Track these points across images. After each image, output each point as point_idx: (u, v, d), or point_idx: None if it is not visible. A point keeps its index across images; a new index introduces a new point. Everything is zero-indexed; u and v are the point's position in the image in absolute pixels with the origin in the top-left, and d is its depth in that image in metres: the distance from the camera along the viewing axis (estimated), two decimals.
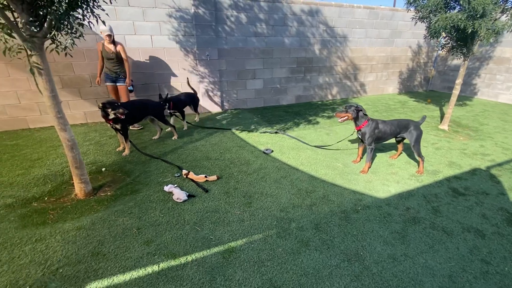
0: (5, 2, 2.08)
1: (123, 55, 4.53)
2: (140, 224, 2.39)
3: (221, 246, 2.17)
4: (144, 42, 5.14)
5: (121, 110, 3.44)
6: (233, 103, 6.39)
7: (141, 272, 1.91)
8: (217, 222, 2.45)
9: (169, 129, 4.63)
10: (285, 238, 2.28)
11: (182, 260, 2.02)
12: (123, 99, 4.85)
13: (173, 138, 4.45)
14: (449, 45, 4.96)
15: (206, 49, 5.57)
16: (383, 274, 1.96)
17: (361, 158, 3.72)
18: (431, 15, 4.65)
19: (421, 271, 2.00)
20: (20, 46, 2.29)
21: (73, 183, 2.88)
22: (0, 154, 3.76)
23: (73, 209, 2.59)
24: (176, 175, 3.26)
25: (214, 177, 3.19)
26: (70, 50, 2.60)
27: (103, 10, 2.69)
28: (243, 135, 4.65)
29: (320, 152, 4.00)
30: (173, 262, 2.00)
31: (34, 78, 2.34)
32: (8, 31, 2.21)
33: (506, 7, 4.31)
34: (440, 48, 5.31)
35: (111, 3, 3.44)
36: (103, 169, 3.37)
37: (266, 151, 3.94)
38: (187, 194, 2.79)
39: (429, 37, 4.85)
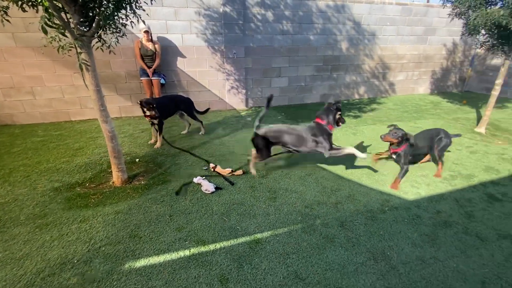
0: (59, 5, 2.31)
1: (159, 52, 4.86)
2: (172, 212, 2.54)
3: (247, 236, 2.25)
4: (175, 40, 5.36)
5: (153, 113, 3.75)
6: (257, 100, 6.46)
7: (173, 255, 2.05)
8: (243, 214, 2.53)
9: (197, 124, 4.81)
10: (310, 233, 2.31)
11: (211, 247, 2.13)
12: (156, 91, 5.15)
13: (200, 133, 4.62)
14: (488, 43, 4.65)
15: (233, 47, 5.69)
16: (411, 275, 1.93)
17: (378, 159, 3.52)
18: (469, 11, 4.40)
19: (451, 275, 1.94)
20: (71, 44, 2.51)
21: (110, 171, 3.12)
22: (48, 143, 4.14)
23: (112, 195, 2.80)
24: (203, 168, 3.40)
25: (240, 172, 3.28)
26: (114, 48, 2.81)
27: (144, 10, 2.87)
28: None
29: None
30: (203, 248, 2.11)
31: (82, 73, 2.57)
32: (62, 30, 2.45)
33: None
34: (479, 47, 4.98)
35: (151, 3, 3.63)
36: (137, 159, 3.60)
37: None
38: (215, 186, 2.91)
39: (467, 34, 4.59)
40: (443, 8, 5.17)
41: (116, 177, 3.00)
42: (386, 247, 2.17)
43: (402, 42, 7.24)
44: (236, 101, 6.19)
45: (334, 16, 6.29)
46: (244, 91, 6.15)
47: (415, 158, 3.46)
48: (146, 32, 4.70)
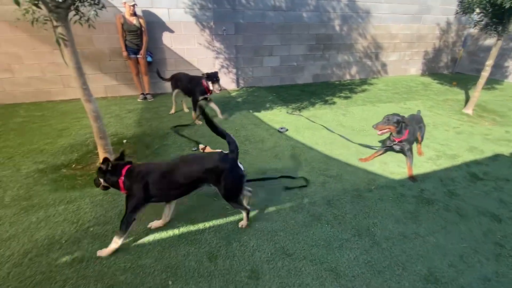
0: None
1: (144, 27, 4.60)
2: None
3: (236, 215, 2.28)
4: (162, 15, 5.09)
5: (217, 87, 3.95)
6: (248, 81, 6.33)
7: (163, 234, 2.07)
8: None
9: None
10: (298, 211, 2.36)
11: (201, 226, 2.16)
12: (142, 70, 4.96)
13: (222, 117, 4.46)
14: (482, 22, 4.60)
15: (222, 24, 5.46)
16: (393, 249, 2.02)
17: (368, 160, 3.22)
18: None
19: (432, 250, 2.04)
20: (46, 17, 2.34)
21: (97, 152, 3.04)
22: (30, 123, 3.99)
23: None
24: (193, 149, 3.37)
25: None
26: (93, 21, 2.63)
27: None
28: (258, 113, 4.66)
29: (338, 131, 3.97)
30: (192, 228, 2.14)
31: (60, 49, 2.42)
32: (35, 1, 2.27)
33: None
34: (473, 26, 4.92)
35: None
36: (125, 141, 3.52)
37: (281, 130, 3.95)
38: None
39: (461, 13, 4.51)
40: None
41: None
42: (370, 224, 2.25)
43: (396, 21, 7.10)
44: (227, 81, 6.04)
45: None
46: (234, 70, 5.99)
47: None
48: (132, 5, 4.41)
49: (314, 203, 2.47)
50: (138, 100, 5.16)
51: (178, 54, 5.47)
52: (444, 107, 5.27)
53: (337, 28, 6.55)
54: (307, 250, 1.97)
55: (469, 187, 2.82)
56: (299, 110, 4.84)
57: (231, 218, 2.25)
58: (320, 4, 6.10)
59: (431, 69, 8.45)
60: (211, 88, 3.97)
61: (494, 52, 4.60)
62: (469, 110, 4.93)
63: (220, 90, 4.00)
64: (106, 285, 1.67)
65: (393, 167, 3.13)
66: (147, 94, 5.24)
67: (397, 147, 3.06)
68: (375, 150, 3.26)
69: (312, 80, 6.92)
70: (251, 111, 4.74)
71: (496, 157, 3.44)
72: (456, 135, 4.03)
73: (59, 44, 2.37)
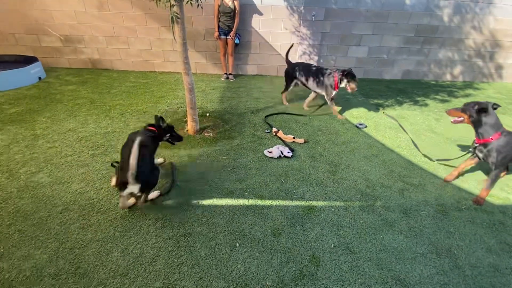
0: None
1: (238, 9, 4.85)
2: (235, 165, 2.76)
3: (302, 201, 2.32)
4: None
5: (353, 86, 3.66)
6: None
7: (234, 201, 2.27)
8: (301, 180, 2.59)
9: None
10: (368, 212, 2.25)
11: (267, 202, 2.28)
12: (229, 51, 5.29)
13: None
14: None
15: (313, 8, 5.30)
16: (478, 279, 1.75)
17: (457, 176, 2.69)
18: None
19: None
20: None
21: (185, 120, 3.46)
22: (137, 89, 4.77)
23: (186, 141, 3.15)
24: (266, 131, 3.50)
25: (301, 140, 3.28)
26: (202, 2, 2.91)
27: None
28: (336, 106, 4.47)
29: (424, 138, 3.53)
30: (260, 202, 2.28)
31: (172, 26, 2.77)
32: None
33: None
34: None
35: None
36: (207, 114, 3.89)
37: (359, 125, 3.73)
38: (280, 155, 2.95)
39: None
40: None
41: (190, 126, 3.33)
42: (453, 245, 1.99)
43: None
44: None
45: None
46: (316, 58, 5.82)
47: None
48: None
49: (387, 208, 2.30)
50: (221, 79, 5.56)
51: (263, 37, 5.61)
52: None
53: (446, 18, 5.60)
54: (374, 253, 1.89)
55: None
56: (383, 107, 4.45)
57: (297, 203, 2.30)
58: None
59: None
60: (342, 85, 3.73)
61: None
62: None
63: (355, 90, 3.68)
64: (186, 232, 1.96)
65: (495, 189, 2.63)
66: (229, 74, 5.59)
67: (480, 154, 2.34)
68: (461, 162, 2.62)
69: (401, 77, 6.20)
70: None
71: None
72: None
73: (173, 22, 2.73)
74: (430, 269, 1.80)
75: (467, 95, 5.28)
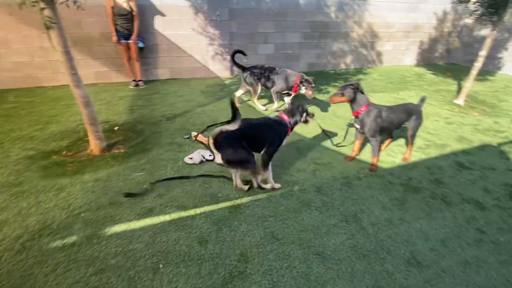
0: None
1: (135, 11, 4.47)
2: (152, 179, 2.55)
3: (228, 202, 2.31)
4: None
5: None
6: None
7: (154, 220, 2.09)
8: (225, 182, 2.58)
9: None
10: (288, 198, 2.40)
11: (192, 212, 2.19)
12: (133, 56, 4.86)
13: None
14: (478, 12, 4.59)
15: (216, 8, 5.33)
16: (378, 234, 2.09)
17: (357, 154, 3.08)
18: None
19: (415, 235, 2.11)
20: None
21: (88, 139, 3.02)
22: (18, 110, 3.91)
23: (90, 163, 2.75)
24: (184, 136, 3.36)
25: None
26: (81, 3, 2.55)
27: None
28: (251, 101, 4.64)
29: (330, 122, 3.99)
30: (183, 213, 2.17)
31: (48, 33, 2.35)
32: None
33: None
34: (469, 15, 4.90)
35: None
36: (116, 128, 3.49)
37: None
38: (202, 160, 2.87)
39: (458, 2, 4.48)
40: None
41: (94, 145, 2.92)
42: (358, 210, 2.31)
43: (393, 10, 7.02)
44: (220, 68, 5.97)
45: None
46: (229, 57, 5.90)
47: (386, 131, 2.90)
48: None
49: (304, 190, 2.52)
50: (130, 87, 5.08)
51: (170, 40, 5.35)
52: (437, 97, 5.32)
53: (333, 15, 6.46)
54: (296, 235, 2.03)
55: (455, 176, 2.90)
56: (294, 98, 4.83)
57: (223, 205, 2.29)
58: None
59: (426, 59, 8.45)
60: (302, 91, 3.94)
61: (488, 43, 4.61)
62: (460, 101, 4.99)
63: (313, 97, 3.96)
64: (97, 269, 1.70)
65: (383, 155, 3.18)
66: (139, 81, 5.15)
67: (357, 125, 2.80)
68: (356, 145, 3.02)
69: (307, 69, 6.87)
70: (244, 98, 4.71)
71: (484, 147, 3.52)
72: (446, 125, 4.09)
73: (46, 28, 2.31)
74: (342, 236, 2.04)
75: (358, 80, 6.23)
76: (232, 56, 4.12)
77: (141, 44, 4.92)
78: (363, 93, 2.71)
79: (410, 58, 8.17)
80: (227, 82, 5.72)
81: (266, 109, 4.30)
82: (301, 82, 3.92)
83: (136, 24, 4.63)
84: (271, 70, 4.07)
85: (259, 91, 4.18)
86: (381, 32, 7.23)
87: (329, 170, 2.83)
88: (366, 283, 1.72)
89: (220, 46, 5.71)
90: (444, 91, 5.73)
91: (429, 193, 2.59)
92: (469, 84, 4.89)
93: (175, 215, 2.15)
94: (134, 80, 5.14)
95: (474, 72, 4.82)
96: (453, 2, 4.70)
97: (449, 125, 4.12)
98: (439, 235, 2.14)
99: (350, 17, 6.64)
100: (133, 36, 4.66)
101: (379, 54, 7.62)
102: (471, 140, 3.69)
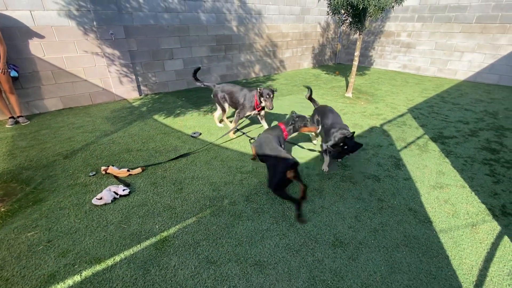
0: None
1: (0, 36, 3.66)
2: (50, 236, 2.08)
3: (152, 238, 2.09)
4: (23, 18, 4.13)
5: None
6: (152, 87, 5.89)
7: (59, 286, 1.70)
8: (146, 216, 2.33)
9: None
10: (219, 215, 2.35)
11: (109, 262, 1.88)
12: (5, 88, 3.97)
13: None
14: (347, 21, 5.60)
15: (109, 27, 4.86)
16: (306, 227, 2.25)
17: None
18: None
19: (334, 217, 2.37)
20: None
21: None
22: None
23: None
24: (90, 174, 2.90)
25: (138, 170, 2.96)
26: None
27: None
28: (167, 121, 4.40)
29: (249, 128, 4.13)
30: (98, 267, 1.84)
31: None
32: None
33: None
34: (341, 24, 5.94)
35: None
36: None
37: (194, 135, 3.85)
38: (115, 197, 2.51)
39: (331, 13, 5.37)
40: None
41: None
42: (285, 209, 2.44)
43: (285, 21, 7.88)
44: (126, 90, 5.45)
45: None
46: (133, 77, 5.45)
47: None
48: None
49: (234, 203, 2.51)
50: (7, 126, 4.09)
51: (54, 64, 4.58)
52: (332, 93, 6.22)
53: (235, 29, 6.79)
54: (231, 251, 1.99)
55: (356, 157, 3.42)
56: (211, 112, 4.82)
57: (146, 243, 2.05)
58: (215, 6, 6.17)
59: (319, 62, 9.82)
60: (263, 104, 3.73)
61: (358, 45, 5.67)
62: (349, 94, 5.97)
63: (271, 108, 3.69)
64: None
65: (299, 151, 3.48)
66: (18, 117, 4.20)
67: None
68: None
69: (220, 80, 6.99)
70: (158, 119, 4.43)
71: (371, 129, 4.28)
72: (342, 116, 4.79)
73: None
74: (275, 238, 2.12)
75: (268, 86, 6.71)
76: (194, 76, 4.07)
77: (13, 73, 4.03)
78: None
79: (307, 62, 9.33)
80: (136, 104, 5.26)
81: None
82: (259, 96, 3.72)
83: (1, 50, 3.77)
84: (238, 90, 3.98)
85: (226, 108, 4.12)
86: (279, 42, 8.02)
87: (254, 177, 2.91)
88: (302, 277, 1.81)
89: (122, 65, 5.22)
90: (337, 87, 6.76)
91: (340, 178, 2.97)
92: (352, 79, 5.91)
93: (87, 273, 1.80)
94: (12, 117, 4.16)
95: (354, 69, 5.85)
96: (327, 14, 5.61)
97: (344, 115, 4.85)
98: (352, 212, 2.45)
99: (250, 29, 7.11)
100: (0, 65, 3.78)
101: (281, 61, 8.42)
102: (362, 125, 4.44)
